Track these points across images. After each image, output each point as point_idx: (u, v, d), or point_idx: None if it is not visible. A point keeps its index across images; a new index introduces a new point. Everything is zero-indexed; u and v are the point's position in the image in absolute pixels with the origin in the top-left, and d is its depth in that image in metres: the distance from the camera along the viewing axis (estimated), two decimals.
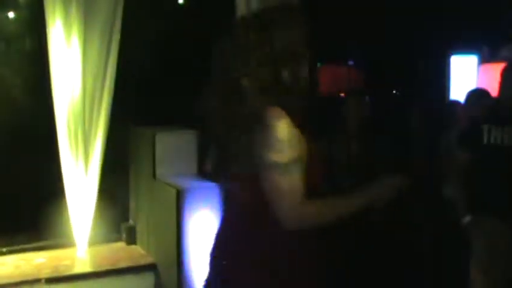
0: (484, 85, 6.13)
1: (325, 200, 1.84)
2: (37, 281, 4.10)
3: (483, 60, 7.17)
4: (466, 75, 7.19)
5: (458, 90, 6.99)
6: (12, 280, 4.09)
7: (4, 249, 4.68)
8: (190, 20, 5.08)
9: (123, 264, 4.44)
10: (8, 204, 4.58)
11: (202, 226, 3.91)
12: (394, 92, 6.98)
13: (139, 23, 4.93)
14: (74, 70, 4.54)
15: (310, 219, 1.82)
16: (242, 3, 4.71)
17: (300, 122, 1.81)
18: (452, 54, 7.27)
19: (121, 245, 4.88)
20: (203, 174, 4.20)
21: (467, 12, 6.35)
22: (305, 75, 1.92)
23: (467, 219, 3.29)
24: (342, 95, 5.06)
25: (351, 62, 6.95)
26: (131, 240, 4.91)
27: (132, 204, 5.07)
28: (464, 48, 7.20)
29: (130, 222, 5.06)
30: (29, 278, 4.15)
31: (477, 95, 4.47)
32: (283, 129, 1.75)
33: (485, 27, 6.51)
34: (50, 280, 4.14)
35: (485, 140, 3.22)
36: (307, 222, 1.82)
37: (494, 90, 4.20)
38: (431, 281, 4.16)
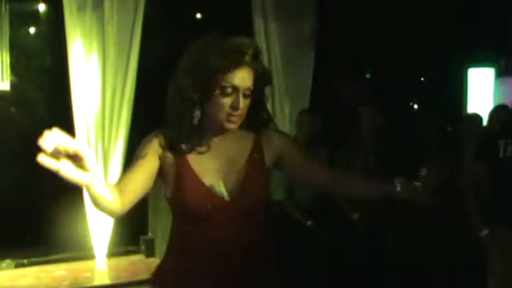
0: (502, 98, 6.12)
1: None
2: None
3: (500, 73, 7.14)
4: (483, 87, 7.16)
5: (476, 102, 6.97)
6: None
7: (25, 261, 4.74)
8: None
9: (141, 276, 4.46)
10: (28, 217, 4.64)
11: None
12: (410, 103, 6.97)
13: (157, 37, 4.99)
14: (94, 84, 4.62)
15: None
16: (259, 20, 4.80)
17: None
18: (469, 66, 7.25)
19: (140, 257, 4.92)
20: None
21: (485, 25, 6.34)
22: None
23: (484, 232, 3.29)
24: (360, 109, 5.06)
25: (367, 75, 6.96)
26: (150, 252, 4.95)
27: (151, 217, 5.11)
28: (482, 60, 7.17)
29: (149, 234, 5.10)
30: None
31: (496, 109, 4.47)
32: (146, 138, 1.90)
33: (503, 40, 6.49)
34: None
35: (501, 154, 3.21)
36: None
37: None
38: None
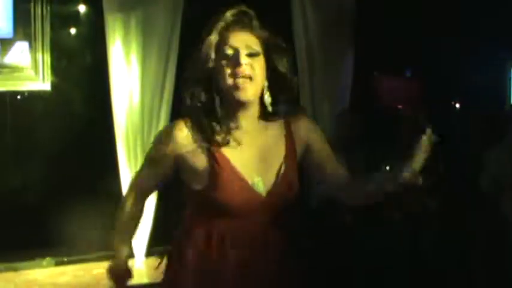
0: None
1: (134, 209, 1.97)
2: None
3: None
4: None
5: None
6: None
7: (65, 259, 4.79)
8: None
9: None
10: (68, 215, 4.69)
11: None
12: (452, 102, 6.83)
13: (197, 38, 4.99)
14: (133, 85, 4.65)
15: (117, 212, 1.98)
16: (298, 15, 4.76)
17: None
18: None
19: None
20: None
21: None
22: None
23: None
24: (400, 106, 4.97)
25: (408, 72, 6.84)
26: None
27: None
28: None
29: None
30: None
31: None
32: (159, 132, 1.96)
33: None
34: None
35: None
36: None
37: None
38: None
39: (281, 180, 1.82)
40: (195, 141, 1.80)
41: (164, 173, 1.88)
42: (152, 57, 4.68)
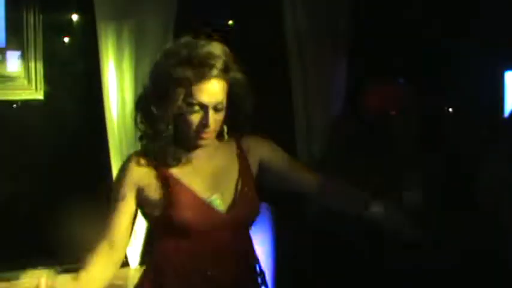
0: None
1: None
2: None
3: None
4: None
5: None
6: None
7: (58, 268, 4.75)
8: (243, 42, 5.04)
9: None
10: (61, 225, 4.67)
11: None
12: (448, 109, 6.85)
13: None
14: (127, 93, 4.64)
15: None
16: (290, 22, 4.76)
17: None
18: (507, 69, 7.07)
19: None
20: None
21: None
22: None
23: None
24: (393, 113, 4.96)
25: (400, 79, 6.85)
26: None
27: None
28: None
29: None
30: None
31: None
32: (119, 170, 1.87)
33: None
34: None
35: None
36: None
37: None
38: None
39: (240, 197, 1.83)
40: (150, 170, 1.80)
41: (131, 211, 1.84)
42: (145, 65, 4.66)
